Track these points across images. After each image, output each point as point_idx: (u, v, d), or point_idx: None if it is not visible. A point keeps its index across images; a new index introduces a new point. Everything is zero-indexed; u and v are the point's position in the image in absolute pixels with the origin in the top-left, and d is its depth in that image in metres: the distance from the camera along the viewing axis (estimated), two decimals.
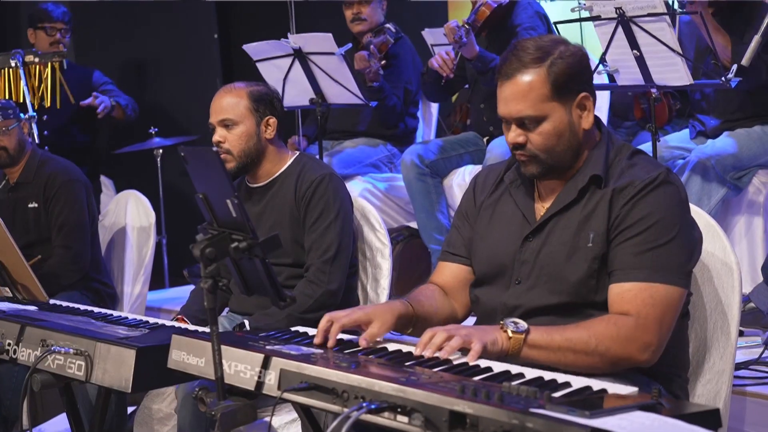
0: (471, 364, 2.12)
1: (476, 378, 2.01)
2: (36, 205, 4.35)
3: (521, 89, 2.33)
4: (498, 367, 2.09)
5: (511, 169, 2.55)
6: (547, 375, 2.02)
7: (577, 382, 1.96)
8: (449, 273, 2.62)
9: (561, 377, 2.00)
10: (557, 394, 1.87)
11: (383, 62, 5.10)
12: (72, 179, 4.39)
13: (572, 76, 2.35)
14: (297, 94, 4.82)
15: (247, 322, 3.01)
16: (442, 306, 2.59)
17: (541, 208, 2.46)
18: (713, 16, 3.82)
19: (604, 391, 1.90)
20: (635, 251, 2.28)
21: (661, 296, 2.25)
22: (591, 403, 1.79)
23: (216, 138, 3.29)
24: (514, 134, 2.37)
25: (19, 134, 4.36)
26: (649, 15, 3.38)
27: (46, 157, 4.48)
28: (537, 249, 2.41)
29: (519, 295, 2.41)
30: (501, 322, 2.24)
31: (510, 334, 2.21)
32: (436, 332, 2.20)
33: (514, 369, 2.07)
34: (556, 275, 2.36)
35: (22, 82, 5.17)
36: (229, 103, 3.31)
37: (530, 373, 2.05)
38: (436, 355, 2.17)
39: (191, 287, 5.64)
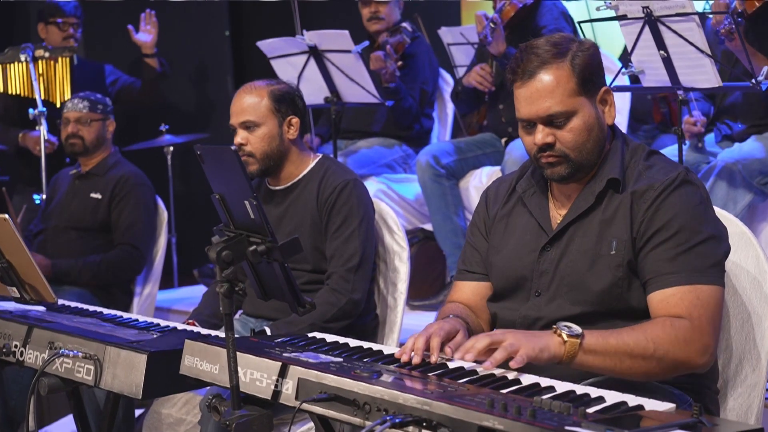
0: (498, 374, 2.03)
1: (505, 391, 1.92)
2: (99, 196, 4.46)
3: (547, 86, 2.24)
4: (527, 379, 2.01)
5: (524, 177, 2.46)
6: (579, 389, 1.93)
7: (611, 397, 1.87)
8: (469, 291, 2.52)
9: (594, 391, 1.90)
10: (592, 410, 1.78)
11: (399, 63, 5.01)
12: (146, 184, 4.52)
13: (594, 69, 2.29)
14: (312, 92, 4.73)
15: (268, 330, 2.93)
16: (475, 323, 2.48)
17: (558, 216, 2.37)
18: (745, 24, 3.72)
19: (640, 407, 1.81)
20: (669, 256, 2.20)
21: (706, 296, 2.17)
22: (629, 421, 1.69)
23: (238, 140, 3.21)
24: (543, 135, 2.26)
25: (100, 130, 4.52)
26: (677, 15, 3.28)
27: (123, 160, 4.62)
28: (556, 258, 2.32)
29: (539, 307, 2.32)
30: (554, 326, 2.13)
31: (565, 338, 2.09)
32: (479, 338, 2.09)
33: (544, 381, 1.98)
34: (578, 285, 2.27)
35: (32, 77, 5.10)
36: (250, 104, 3.22)
37: (561, 387, 1.95)
38: (474, 366, 2.08)
39: (201, 287, 5.61)
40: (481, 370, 2.06)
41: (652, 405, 1.81)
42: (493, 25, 4.36)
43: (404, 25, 5.17)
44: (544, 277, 2.32)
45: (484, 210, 2.54)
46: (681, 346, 2.12)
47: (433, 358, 2.12)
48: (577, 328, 2.11)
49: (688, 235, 2.20)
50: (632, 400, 1.84)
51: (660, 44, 3.41)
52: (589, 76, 2.27)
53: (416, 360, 2.12)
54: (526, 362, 2.03)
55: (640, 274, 2.23)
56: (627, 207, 2.25)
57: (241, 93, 3.26)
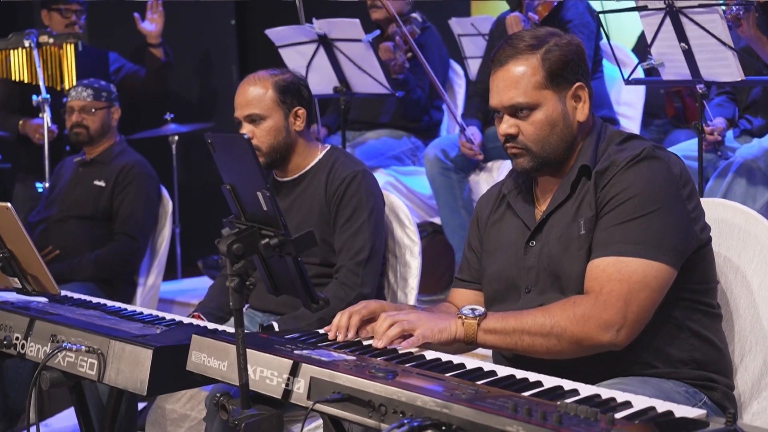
0: (519, 376, 1.95)
1: (526, 393, 1.84)
2: (103, 184, 4.38)
3: (513, 76, 2.26)
4: (549, 381, 1.93)
5: (510, 179, 2.44)
6: (605, 392, 1.85)
7: (639, 401, 1.79)
8: (460, 297, 2.53)
9: (620, 395, 1.82)
10: (620, 416, 1.70)
11: (409, 54, 4.92)
12: (150, 174, 4.44)
13: (567, 64, 2.27)
14: (320, 82, 4.65)
15: (275, 325, 2.85)
16: None
17: (540, 212, 2.35)
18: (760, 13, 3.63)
19: (670, 413, 1.73)
20: (607, 226, 2.16)
21: (631, 271, 2.10)
22: (660, 428, 1.61)
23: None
24: (506, 125, 2.28)
25: (104, 118, 4.44)
26: (700, 6, 3.19)
27: (129, 149, 4.54)
28: (538, 251, 2.29)
29: (530, 303, 2.27)
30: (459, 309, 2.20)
31: (463, 320, 2.16)
32: (382, 319, 2.17)
33: (567, 384, 1.91)
34: (558, 273, 2.24)
35: (36, 63, 5.02)
36: (255, 96, 3.13)
37: (585, 390, 1.88)
38: (494, 367, 2.04)
39: (205, 278, 5.53)
40: (501, 372, 1.99)
41: (682, 411, 1.73)
42: (535, 26, 4.25)
43: (414, 15, 5.08)
44: (530, 273, 2.30)
45: (476, 218, 2.54)
46: (578, 322, 2.08)
47: (350, 334, 2.24)
48: (480, 310, 2.18)
49: (635, 206, 2.14)
50: (661, 405, 1.76)
51: (681, 36, 3.32)
52: (559, 71, 2.26)
53: (339, 338, 2.23)
54: (422, 342, 2.14)
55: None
56: (593, 186, 2.23)
57: (245, 84, 3.17)
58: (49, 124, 4.99)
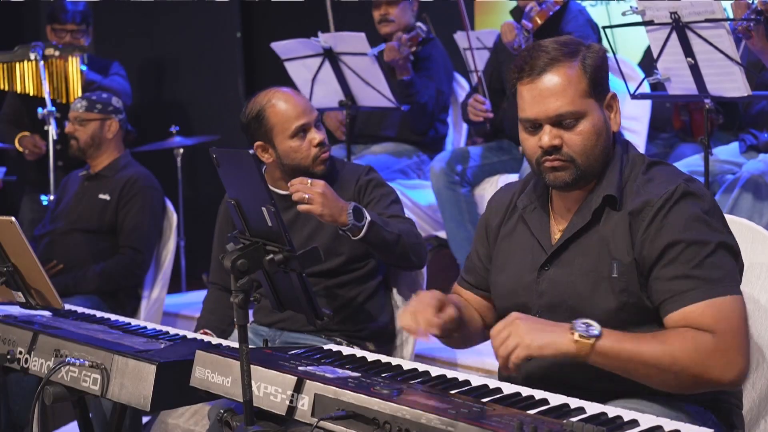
0: (525, 394, 1.94)
1: (532, 411, 1.83)
2: (107, 197, 4.34)
3: (558, 84, 2.13)
4: (555, 399, 1.91)
5: (525, 192, 2.34)
6: (611, 411, 1.83)
7: (646, 420, 1.78)
8: (470, 299, 2.48)
9: (627, 414, 1.81)
10: None
11: (413, 48, 4.90)
12: (155, 187, 4.41)
13: (604, 72, 2.21)
14: (326, 95, 4.64)
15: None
16: (471, 316, 2.45)
17: (557, 232, 2.26)
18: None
19: None
20: (680, 273, 2.06)
21: (729, 308, 2.05)
22: None
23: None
24: (550, 136, 2.14)
25: (95, 130, 4.36)
26: (706, 21, 3.18)
27: (134, 162, 4.50)
28: (555, 279, 2.21)
29: None
30: (572, 321, 2.01)
31: (576, 338, 1.98)
32: (495, 339, 2.03)
33: (573, 402, 1.89)
34: (580, 308, 2.15)
35: (42, 76, 5.01)
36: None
37: (591, 408, 1.86)
38: (499, 384, 2.01)
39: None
40: (507, 389, 1.97)
41: (689, 430, 1.72)
42: (527, 34, 4.24)
43: (419, 24, 5.09)
44: (543, 298, 2.22)
45: (484, 224, 2.45)
46: (702, 362, 2.00)
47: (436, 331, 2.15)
48: (595, 328, 2.00)
49: (696, 249, 2.07)
50: (668, 424, 1.75)
51: (687, 51, 3.31)
52: (599, 78, 2.18)
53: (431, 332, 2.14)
54: (519, 362, 1.99)
55: (653, 297, 2.11)
56: (626, 227, 2.14)
57: (295, 95, 3.10)
58: (54, 137, 4.97)
